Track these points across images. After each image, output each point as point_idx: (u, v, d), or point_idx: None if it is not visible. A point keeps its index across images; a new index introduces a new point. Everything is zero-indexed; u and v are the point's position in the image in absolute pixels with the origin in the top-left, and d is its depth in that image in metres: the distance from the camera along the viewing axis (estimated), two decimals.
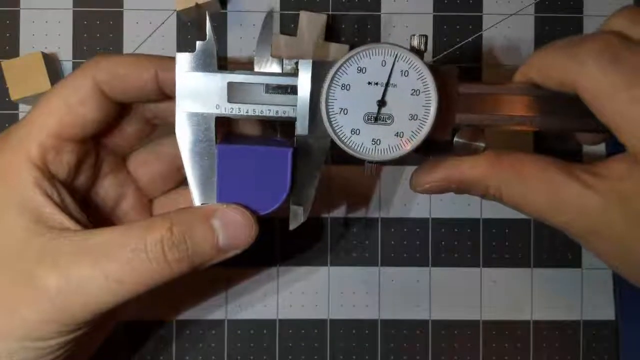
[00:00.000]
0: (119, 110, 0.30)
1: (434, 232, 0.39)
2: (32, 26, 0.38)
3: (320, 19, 0.37)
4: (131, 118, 0.31)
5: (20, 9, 0.38)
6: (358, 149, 0.27)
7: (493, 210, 0.39)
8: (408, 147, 0.27)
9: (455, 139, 0.28)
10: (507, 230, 0.39)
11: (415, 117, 0.27)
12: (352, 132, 0.27)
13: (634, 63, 0.25)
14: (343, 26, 0.39)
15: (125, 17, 0.38)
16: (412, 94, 0.27)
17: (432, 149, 0.29)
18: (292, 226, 0.29)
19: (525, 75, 0.28)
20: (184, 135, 0.28)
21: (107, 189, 0.32)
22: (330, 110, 0.27)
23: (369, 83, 0.27)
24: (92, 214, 0.30)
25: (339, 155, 0.38)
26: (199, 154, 0.28)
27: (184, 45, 0.38)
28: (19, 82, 0.36)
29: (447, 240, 0.39)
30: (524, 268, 0.39)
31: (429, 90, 0.27)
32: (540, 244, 0.39)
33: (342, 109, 0.27)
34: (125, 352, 0.38)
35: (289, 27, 0.38)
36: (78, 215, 0.28)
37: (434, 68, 0.27)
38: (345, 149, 0.27)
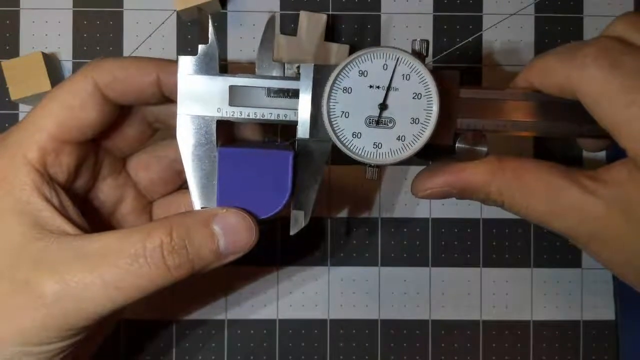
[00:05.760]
0: (119, 113, 0.29)
1: (434, 232, 0.39)
2: (32, 26, 0.38)
3: (320, 19, 0.37)
4: (132, 121, 0.31)
5: (20, 9, 0.38)
6: (360, 152, 0.27)
7: (493, 211, 0.39)
8: (409, 151, 0.27)
9: (457, 144, 0.28)
10: (507, 230, 0.39)
11: (417, 120, 0.27)
12: (354, 136, 0.27)
13: (633, 67, 0.25)
14: (343, 26, 0.39)
15: (125, 17, 0.38)
16: (413, 98, 0.27)
17: (434, 153, 0.29)
18: (293, 231, 0.29)
19: (525, 80, 0.29)
20: (185, 139, 0.28)
21: (106, 191, 0.31)
22: (331, 113, 0.27)
23: (371, 86, 0.27)
24: (91, 217, 0.30)
25: (339, 156, 0.38)
26: (199, 158, 0.28)
27: (184, 45, 0.38)
28: (19, 82, 0.36)
29: (447, 240, 0.39)
30: (524, 268, 0.39)
31: (430, 94, 0.27)
32: (540, 244, 0.39)
33: (343, 112, 0.27)
34: (126, 352, 0.38)
35: (289, 27, 0.38)
36: (77, 219, 0.28)
37: (435, 72, 0.27)
38: (347, 152, 0.27)
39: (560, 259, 0.39)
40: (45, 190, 0.27)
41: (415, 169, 0.38)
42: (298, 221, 0.29)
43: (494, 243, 0.39)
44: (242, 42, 0.38)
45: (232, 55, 0.38)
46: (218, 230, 0.27)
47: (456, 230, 0.39)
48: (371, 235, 0.39)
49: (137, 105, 0.30)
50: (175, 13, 0.38)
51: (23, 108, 0.38)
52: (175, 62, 0.28)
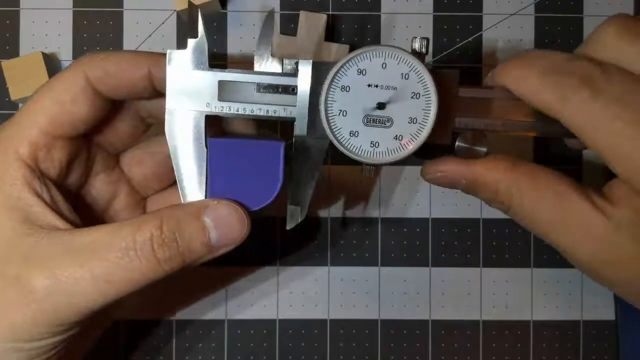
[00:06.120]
0: (111, 108, 0.29)
1: (434, 232, 0.39)
2: (32, 26, 0.38)
3: (320, 19, 0.37)
4: (124, 116, 0.31)
5: (20, 9, 0.38)
6: (356, 151, 0.27)
7: (493, 211, 0.38)
8: (406, 150, 0.27)
9: (457, 142, 0.28)
10: (507, 230, 0.39)
11: (415, 120, 0.27)
12: (351, 134, 0.27)
13: (613, 94, 0.25)
14: (343, 26, 0.39)
15: (125, 17, 0.38)
16: (412, 97, 0.27)
17: (432, 152, 0.29)
18: (289, 226, 0.29)
19: (499, 81, 0.28)
20: (173, 134, 0.28)
21: (99, 188, 0.31)
22: (329, 111, 0.27)
23: (369, 85, 0.27)
24: (85, 213, 0.30)
25: (338, 156, 0.38)
26: (188, 153, 0.28)
27: (184, 45, 0.38)
28: (19, 82, 0.36)
29: (447, 240, 0.39)
30: (524, 268, 0.39)
31: (429, 94, 0.27)
32: (541, 244, 0.39)
33: (341, 110, 0.27)
34: (125, 352, 0.38)
35: (289, 27, 0.38)
36: (68, 215, 0.27)
37: (434, 71, 0.27)
38: (344, 151, 0.27)
39: (560, 259, 0.38)
40: (36, 185, 0.27)
41: (415, 169, 0.39)
42: (294, 216, 0.29)
43: (494, 243, 0.39)
44: (242, 42, 0.38)
45: (232, 55, 0.38)
46: (209, 222, 0.27)
47: (456, 230, 0.39)
48: (371, 235, 0.39)
49: (129, 100, 0.30)
50: (175, 13, 0.38)
51: None
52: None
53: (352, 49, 0.37)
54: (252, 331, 0.38)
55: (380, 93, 0.27)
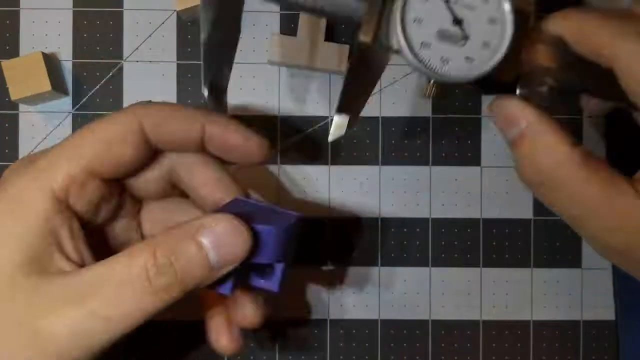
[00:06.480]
0: (152, 157, 0.29)
1: (434, 232, 0.39)
2: (32, 26, 0.38)
3: (321, 19, 0.37)
4: (159, 171, 0.30)
5: (20, 9, 0.38)
6: (426, 63, 0.26)
7: (493, 211, 0.39)
8: (475, 73, 0.26)
9: (519, 84, 0.27)
10: (507, 230, 0.39)
11: (488, 45, 0.26)
12: (422, 45, 0.26)
13: None
14: (343, 26, 0.39)
15: (125, 17, 0.38)
16: (488, 22, 0.26)
17: (493, 86, 0.28)
18: (332, 137, 0.27)
19: (555, 30, 0.27)
20: (208, 8, 0.27)
21: (118, 233, 0.30)
22: (404, 17, 0.26)
23: (448, 0, 0.26)
24: (97, 254, 0.28)
25: (339, 156, 0.38)
26: (220, 27, 0.27)
27: (184, 45, 0.38)
28: (19, 82, 0.36)
29: (447, 240, 0.39)
30: (524, 268, 0.39)
31: (506, 23, 0.26)
32: (540, 244, 0.39)
33: (416, 18, 0.26)
34: (125, 350, 0.38)
35: (289, 27, 0.38)
36: (81, 255, 0.26)
37: (515, 3, 0.26)
38: (413, 60, 0.26)
39: (560, 259, 0.39)
40: (58, 221, 0.26)
41: (415, 169, 0.39)
42: (340, 127, 0.27)
43: (494, 243, 0.39)
44: (242, 42, 0.38)
45: None
46: (206, 242, 0.25)
47: (456, 230, 0.39)
48: (371, 235, 0.39)
49: (173, 152, 0.29)
50: (175, 13, 0.38)
51: (23, 108, 0.38)
52: (223, 113, 0.28)
53: (352, 49, 0.37)
54: (252, 331, 0.38)
55: (458, 10, 0.26)
